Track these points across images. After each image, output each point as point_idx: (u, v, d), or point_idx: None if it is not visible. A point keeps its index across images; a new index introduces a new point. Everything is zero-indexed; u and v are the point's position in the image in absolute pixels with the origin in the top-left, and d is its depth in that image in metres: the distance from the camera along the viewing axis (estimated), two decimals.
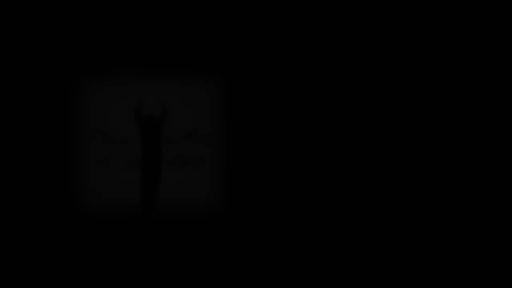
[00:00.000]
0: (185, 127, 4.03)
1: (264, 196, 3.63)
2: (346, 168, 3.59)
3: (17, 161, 3.67)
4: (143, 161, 4.09)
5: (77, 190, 3.89)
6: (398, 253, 3.30)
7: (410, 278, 3.27)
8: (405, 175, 3.60)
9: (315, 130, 3.66)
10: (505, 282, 3.30)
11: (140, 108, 4.76)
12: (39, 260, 3.40)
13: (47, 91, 3.82)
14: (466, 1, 3.63)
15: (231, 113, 3.82)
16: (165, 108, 4.64)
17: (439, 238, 3.49)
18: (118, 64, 3.92)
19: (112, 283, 3.25)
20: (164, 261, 3.38)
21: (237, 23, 3.70)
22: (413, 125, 3.62)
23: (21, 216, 3.61)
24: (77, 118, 3.95)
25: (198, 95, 4.01)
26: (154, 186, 4.17)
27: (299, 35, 3.70)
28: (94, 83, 4.04)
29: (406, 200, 3.58)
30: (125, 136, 4.10)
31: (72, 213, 3.73)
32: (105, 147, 4.05)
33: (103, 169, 4.00)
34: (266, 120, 3.71)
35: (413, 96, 3.62)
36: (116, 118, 4.13)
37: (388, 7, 3.63)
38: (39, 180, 3.72)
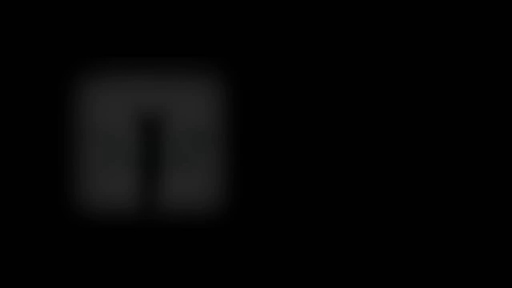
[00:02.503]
0: (188, 126, 3.99)
1: (276, 201, 3.60)
2: (362, 170, 3.56)
3: (2, 162, 3.64)
4: (142, 162, 4.07)
5: (69, 194, 3.84)
6: (414, 258, 3.27)
7: (419, 280, 3.25)
8: (419, 177, 3.57)
9: (329, 129, 3.63)
10: (505, 282, 3.28)
11: (140, 107, 4.73)
12: (29, 269, 3.35)
13: (37, 86, 3.78)
14: (466, 1, 3.61)
15: (238, 111, 3.78)
16: (166, 107, 4.63)
17: (442, 239, 3.47)
18: (115, 58, 3.88)
19: None
20: (165, 271, 3.35)
21: (244, 17, 3.66)
22: (432, 126, 3.60)
23: (7, 222, 3.58)
24: (69, 116, 3.90)
25: (203, 91, 3.97)
26: (153, 189, 4.15)
27: (309, 33, 3.68)
28: (87, 78, 4.00)
29: (422, 203, 3.56)
30: (122, 135, 4.07)
31: (64, 219, 3.69)
32: (100, 148, 4.01)
33: (98, 171, 3.97)
34: (277, 120, 3.67)
35: (431, 96, 3.60)
36: (112, 116, 4.09)
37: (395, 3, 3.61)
38: (27, 183, 3.68)
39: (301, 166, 3.65)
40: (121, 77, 3.96)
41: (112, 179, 3.99)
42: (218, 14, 3.68)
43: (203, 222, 3.69)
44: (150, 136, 3.97)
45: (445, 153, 3.49)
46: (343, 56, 3.66)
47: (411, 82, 3.60)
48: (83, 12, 3.71)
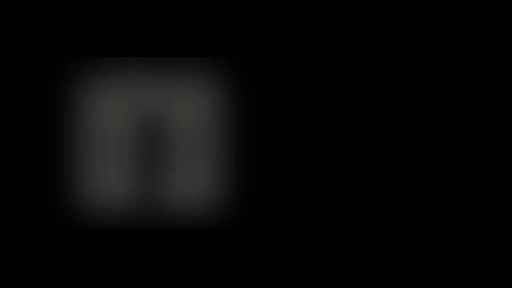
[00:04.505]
0: (191, 125, 3.98)
1: (281, 202, 3.58)
2: (369, 171, 3.55)
3: None
4: (141, 164, 4.05)
5: (68, 195, 3.83)
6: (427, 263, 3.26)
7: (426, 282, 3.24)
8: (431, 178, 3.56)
9: (336, 129, 3.62)
10: (505, 282, 3.28)
11: (142, 106, 4.69)
12: (29, 270, 3.32)
13: (35, 87, 3.77)
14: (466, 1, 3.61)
15: (242, 111, 3.77)
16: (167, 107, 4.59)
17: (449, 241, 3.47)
18: (119, 58, 3.88)
19: None
20: (165, 273, 3.31)
21: (249, 18, 3.66)
22: (443, 124, 3.59)
23: (3, 224, 3.57)
24: (68, 117, 3.89)
25: (208, 91, 3.96)
26: (154, 190, 4.11)
27: (317, 35, 3.67)
28: (82, 74, 3.98)
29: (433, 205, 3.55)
30: (120, 136, 4.06)
31: (64, 221, 3.68)
32: (97, 148, 4.00)
33: (95, 172, 3.96)
34: (284, 120, 3.66)
35: (441, 95, 3.59)
36: (110, 115, 4.08)
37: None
38: (24, 184, 3.66)
39: (306, 167, 3.64)
40: (124, 77, 3.96)
41: (113, 180, 3.97)
42: (223, 14, 3.67)
43: (205, 223, 3.68)
44: (152, 136, 3.96)
45: (452, 153, 3.49)
46: (350, 57, 3.65)
47: (418, 81, 3.60)
48: (90, 12, 3.69)
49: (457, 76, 3.54)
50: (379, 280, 3.37)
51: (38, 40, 3.67)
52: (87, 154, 3.79)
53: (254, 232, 3.51)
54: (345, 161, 3.50)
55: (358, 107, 3.56)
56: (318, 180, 3.54)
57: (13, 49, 3.65)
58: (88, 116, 3.88)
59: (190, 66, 3.86)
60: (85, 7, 3.67)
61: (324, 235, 3.48)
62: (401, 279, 3.38)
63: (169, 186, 3.86)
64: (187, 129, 3.89)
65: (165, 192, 3.84)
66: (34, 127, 3.65)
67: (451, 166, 3.49)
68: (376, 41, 3.54)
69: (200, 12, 3.68)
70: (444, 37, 3.57)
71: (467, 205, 3.48)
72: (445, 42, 3.54)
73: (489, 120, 3.55)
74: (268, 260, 3.45)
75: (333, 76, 3.58)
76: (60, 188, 3.72)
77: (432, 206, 3.49)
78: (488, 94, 3.53)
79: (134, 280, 3.42)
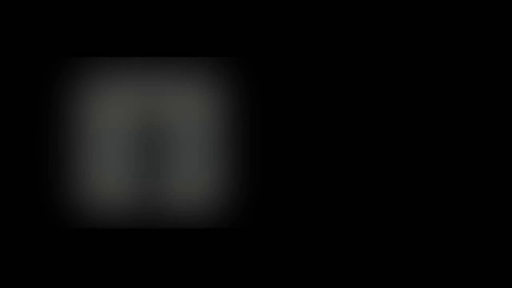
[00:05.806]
0: (197, 125, 3.98)
1: (292, 204, 3.58)
2: (374, 173, 3.55)
3: None
4: (144, 164, 4.04)
5: (69, 195, 3.83)
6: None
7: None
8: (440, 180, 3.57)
9: (341, 128, 3.63)
10: (505, 282, 3.31)
11: (144, 106, 4.64)
12: (30, 269, 3.30)
13: (33, 87, 3.77)
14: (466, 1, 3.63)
15: (250, 110, 3.77)
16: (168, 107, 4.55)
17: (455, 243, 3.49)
18: (122, 58, 3.88)
19: None
20: (170, 279, 3.31)
21: (254, 18, 3.67)
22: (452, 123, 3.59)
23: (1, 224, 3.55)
24: (65, 115, 3.90)
25: (214, 88, 3.96)
26: (153, 192, 4.05)
27: (323, 35, 3.67)
28: (81, 73, 3.99)
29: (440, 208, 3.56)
30: (120, 136, 4.06)
31: (57, 224, 3.67)
32: (96, 149, 3.99)
33: (94, 173, 3.95)
34: (294, 120, 3.66)
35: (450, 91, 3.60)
36: (113, 115, 4.08)
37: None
38: (17, 187, 3.65)
39: (313, 166, 3.64)
40: (128, 77, 3.96)
41: (115, 181, 3.97)
42: (231, 15, 3.67)
43: (210, 223, 3.69)
44: (156, 136, 3.96)
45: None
46: (357, 57, 3.65)
47: (422, 82, 3.60)
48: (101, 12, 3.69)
49: (457, 76, 3.55)
50: (381, 278, 3.38)
51: (38, 40, 3.68)
52: (88, 154, 3.79)
53: (260, 232, 3.52)
54: (352, 160, 3.51)
55: (365, 107, 3.56)
56: (324, 180, 3.55)
57: (11, 49, 3.65)
58: (89, 117, 3.89)
59: (197, 66, 3.86)
60: (88, 6, 3.68)
61: (330, 234, 3.49)
62: (412, 279, 3.39)
63: (173, 186, 3.86)
64: (192, 129, 3.90)
65: (169, 192, 3.85)
66: (32, 128, 3.65)
67: (459, 167, 3.50)
68: (383, 41, 3.55)
69: (208, 12, 3.68)
70: (445, 37, 3.58)
71: (467, 205, 3.50)
72: (447, 42, 3.55)
73: (489, 120, 3.56)
74: (274, 260, 3.46)
75: (340, 76, 3.59)
76: (58, 189, 3.72)
77: (449, 209, 3.49)
78: (488, 94, 3.54)
79: (134, 280, 3.43)
